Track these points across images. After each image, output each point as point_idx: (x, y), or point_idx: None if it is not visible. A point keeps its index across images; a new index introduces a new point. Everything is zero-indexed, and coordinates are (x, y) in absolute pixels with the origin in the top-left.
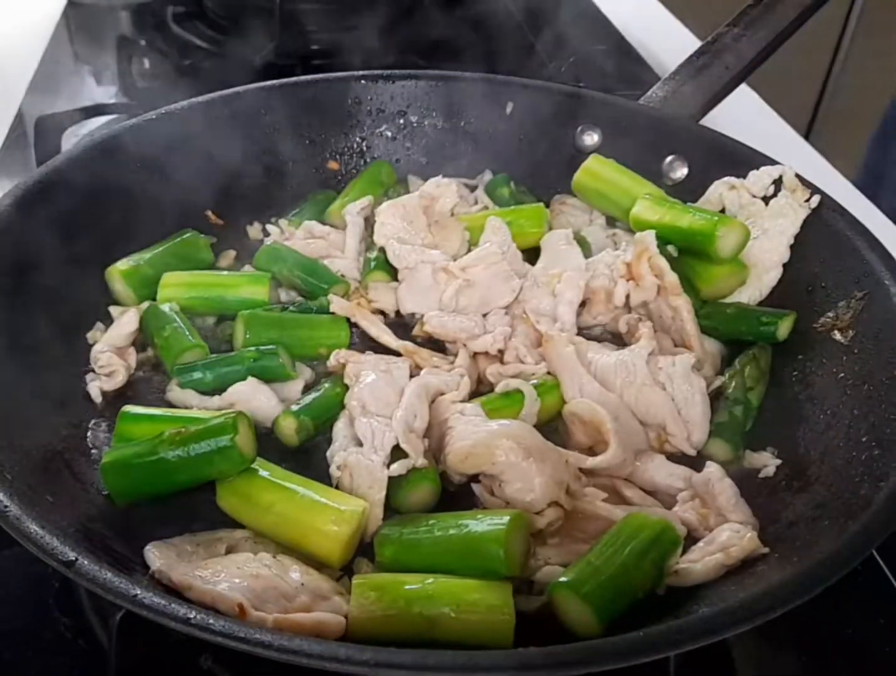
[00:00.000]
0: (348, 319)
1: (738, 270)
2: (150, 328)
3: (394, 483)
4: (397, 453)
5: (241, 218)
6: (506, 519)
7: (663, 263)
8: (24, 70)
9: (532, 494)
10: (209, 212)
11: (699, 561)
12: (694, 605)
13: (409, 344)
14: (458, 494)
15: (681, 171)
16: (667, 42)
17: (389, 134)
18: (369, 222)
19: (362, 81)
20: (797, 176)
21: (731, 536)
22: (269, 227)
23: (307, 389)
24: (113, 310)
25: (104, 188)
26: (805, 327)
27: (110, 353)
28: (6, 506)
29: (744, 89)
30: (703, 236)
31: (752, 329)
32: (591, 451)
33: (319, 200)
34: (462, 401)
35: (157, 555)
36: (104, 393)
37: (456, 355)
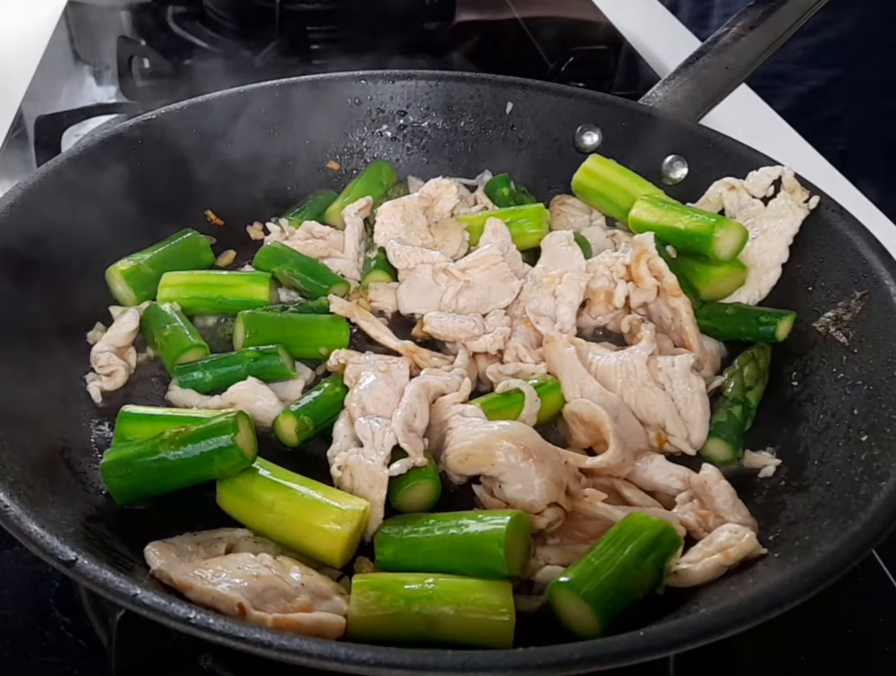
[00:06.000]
0: (348, 319)
1: (737, 271)
2: (151, 328)
3: (394, 482)
4: (397, 453)
5: (241, 218)
6: (506, 519)
7: (662, 265)
8: (24, 70)
9: (532, 495)
10: (209, 212)
11: (698, 562)
12: (694, 605)
13: (409, 344)
14: (458, 494)
15: (681, 171)
16: (667, 42)
17: (389, 134)
18: (369, 222)
19: (362, 81)
20: (796, 176)
21: (729, 537)
22: (270, 227)
23: (307, 389)
24: (113, 310)
25: (104, 188)
26: (805, 327)
27: (110, 353)
28: (6, 506)
29: (744, 89)
30: (701, 238)
31: (751, 329)
32: (591, 451)
33: (319, 200)
34: (462, 402)
35: (157, 555)
36: (104, 393)
37: (456, 355)
